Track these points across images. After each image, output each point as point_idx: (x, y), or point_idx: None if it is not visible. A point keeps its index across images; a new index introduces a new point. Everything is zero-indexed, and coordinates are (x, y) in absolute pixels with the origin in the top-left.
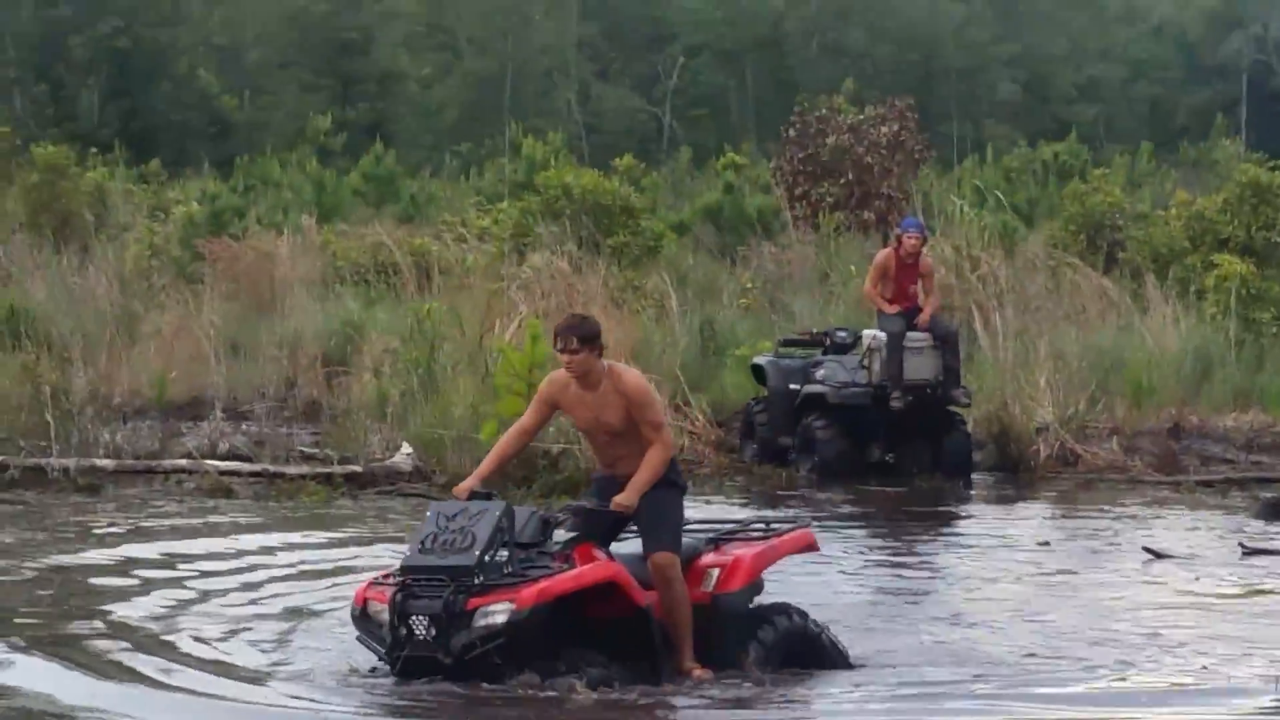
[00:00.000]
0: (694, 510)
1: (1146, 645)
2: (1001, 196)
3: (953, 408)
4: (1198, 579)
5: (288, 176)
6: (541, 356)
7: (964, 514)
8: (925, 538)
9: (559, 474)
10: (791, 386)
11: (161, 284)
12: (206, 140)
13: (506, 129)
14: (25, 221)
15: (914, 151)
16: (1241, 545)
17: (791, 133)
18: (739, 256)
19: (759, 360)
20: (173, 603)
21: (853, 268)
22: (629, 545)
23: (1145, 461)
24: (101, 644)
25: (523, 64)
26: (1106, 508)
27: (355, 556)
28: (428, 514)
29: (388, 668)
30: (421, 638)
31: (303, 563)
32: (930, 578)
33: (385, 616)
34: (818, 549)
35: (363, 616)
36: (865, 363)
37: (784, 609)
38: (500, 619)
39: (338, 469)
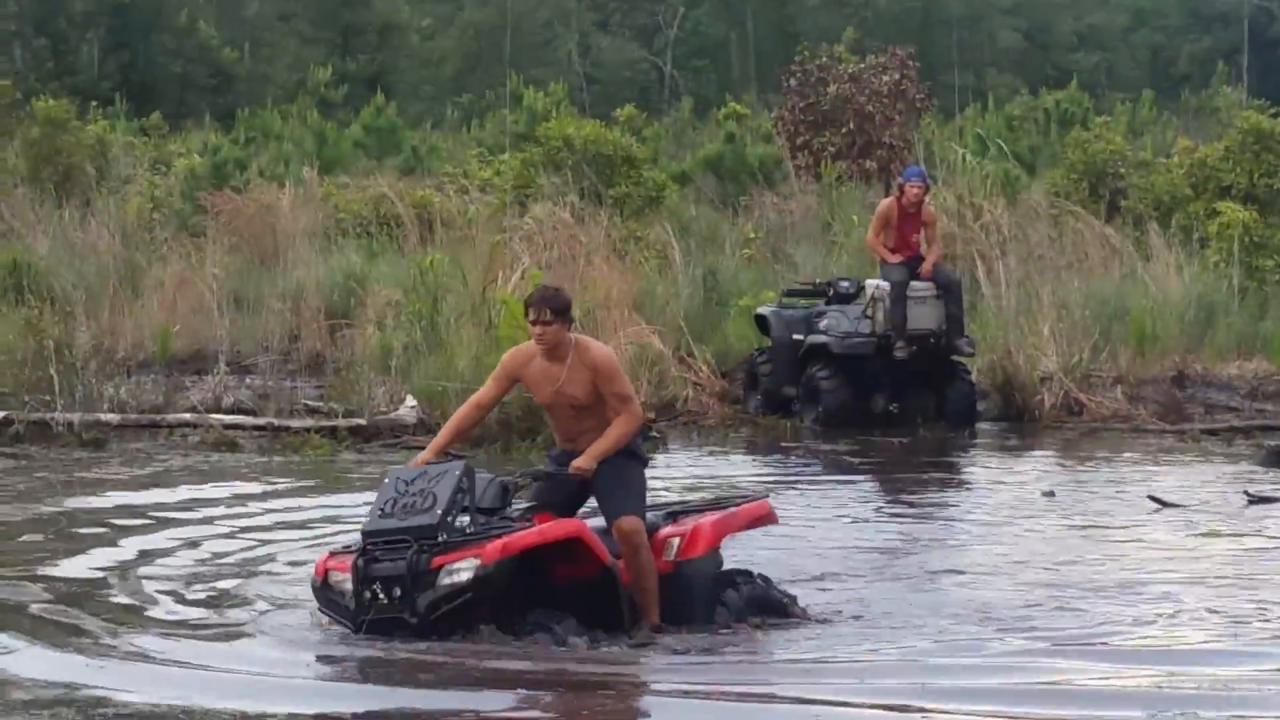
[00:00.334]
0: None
1: (1150, 595)
2: (1003, 145)
3: (956, 357)
4: (1203, 528)
5: (289, 129)
6: None
7: (968, 463)
8: (930, 488)
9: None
10: (795, 337)
11: (164, 237)
12: (207, 93)
13: (507, 80)
14: (26, 175)
15: (915, 100)
16: (1246, 493)
17: (793, 82)
18: (741, 206)
19: (762, 310)
20: (170, 555)
21: (855, 217)
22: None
23: (1149, 410)
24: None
25: (523, 15)
26: (1111, 456)
27: (360, 509)
28: (385, 480)
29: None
30: (386, 600)
31: (306, 516)
32: (934, 527)
33: (348, 585)
34: (775, 520)
35: (324, 587)
36: (869, 312)
37: (746, 574)
38: (466, 575)
39: (342, 422)
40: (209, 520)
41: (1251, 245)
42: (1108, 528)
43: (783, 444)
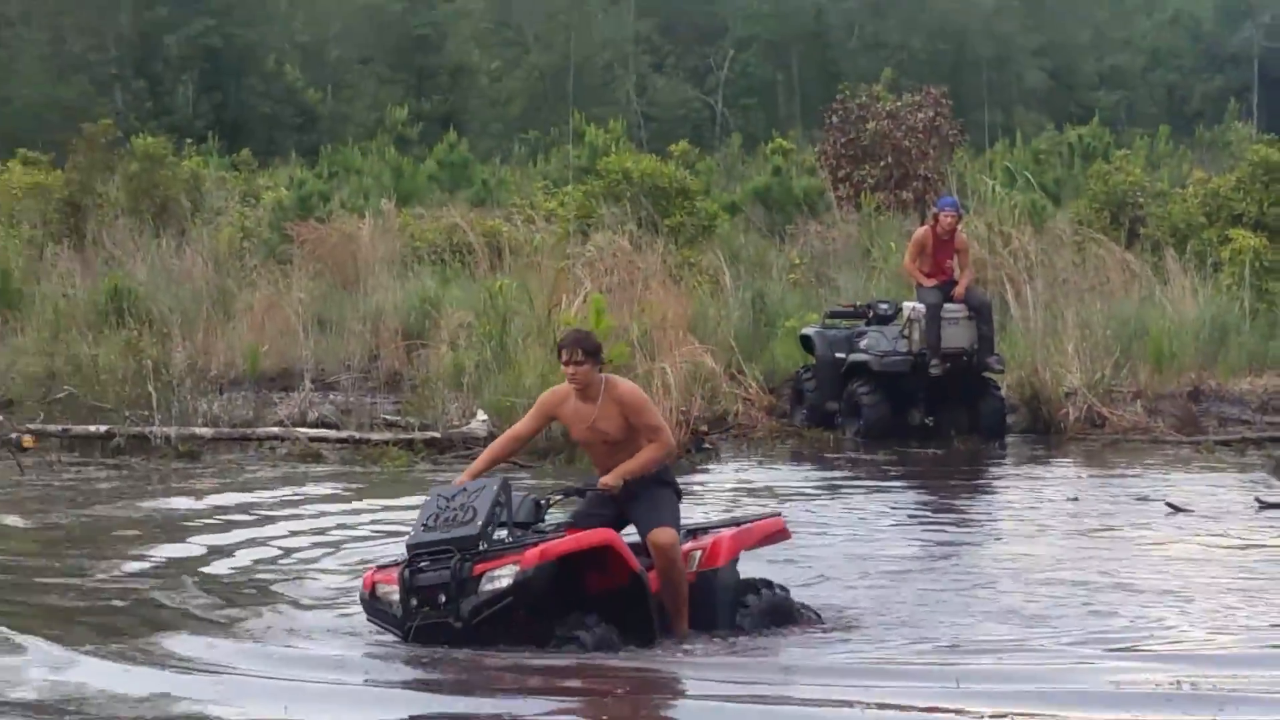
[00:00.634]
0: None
1: (1167, 597)
2: (1030, 177)
3: (987, 374)
4: (1217, 532)
5: (368, 164)
6: (605, 329)
7: (998, 473)
8: (962, 495)
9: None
10: (837, 355)
11: (253, 264)
12: (293, 131)
13: (570, 118)
14: (127, 207)
15: (948, 136)
16: (1257, 500)
17: (834, 119)
18: (787, 235)
19: (807, 331)
20: (257, 558)
21: (893, 244)
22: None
23: (1167, 423)
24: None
25: (585, 58)
26: (1131, 466)
27: None
28: (427, 497)
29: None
30: (431, 608)
31: (384, 522)
32: (966, 532)
33: (394, 596)
34: (789, 536)
35: (372, 598)
36: (905, 332)
37: (766, 583)
38: (506, 581)
39: (418, 435)
40: (296, 530)
41: (1262, 269)
42: (1128, 532)
43: (826, 454)
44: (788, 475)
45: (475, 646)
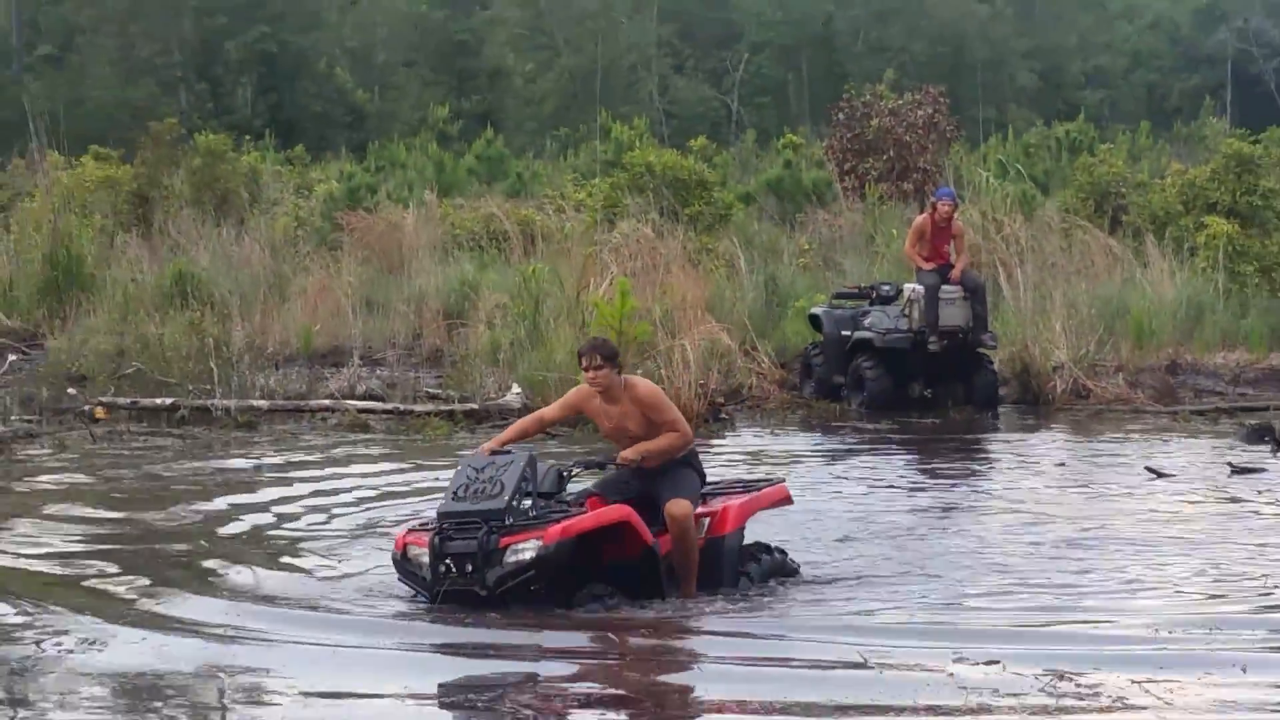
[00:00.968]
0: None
1: (1147, 553)
2: (1021, 169)
3: (981, 350)
4: (1192, 494)
5: (412, 158)
6: (629, 310)
7: (991, 440)
8: (958, 461)
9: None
10: (843, 333)
11: (306, 251)
12: (343, 128)
13: (598, 116)
14: (190, 199)
15: (946, 131)
16: (1230, 465)
17: (841, 116)
18: (797, 223)
19: (815, 310)
20: (309, 521)
21: (894, 231)
22: None
23: (1146, 394)
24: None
25: (611, 60)
26: (1114, 434)
27: None
28: (458, 467)
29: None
30: (459, 574)
31: (425, 487)
32: (961, 494)
33: (425, 559)
34: (792, 502)
35: (403, 559)
36: (906, 312)
37: (766, 547)
38: (529, 554)
39: (458, 406)
40: (344, 494)
41: (1234, 253)
42: (1111, 494)
43: (832, 424)
44: (797, 443)
45: (501, 608)
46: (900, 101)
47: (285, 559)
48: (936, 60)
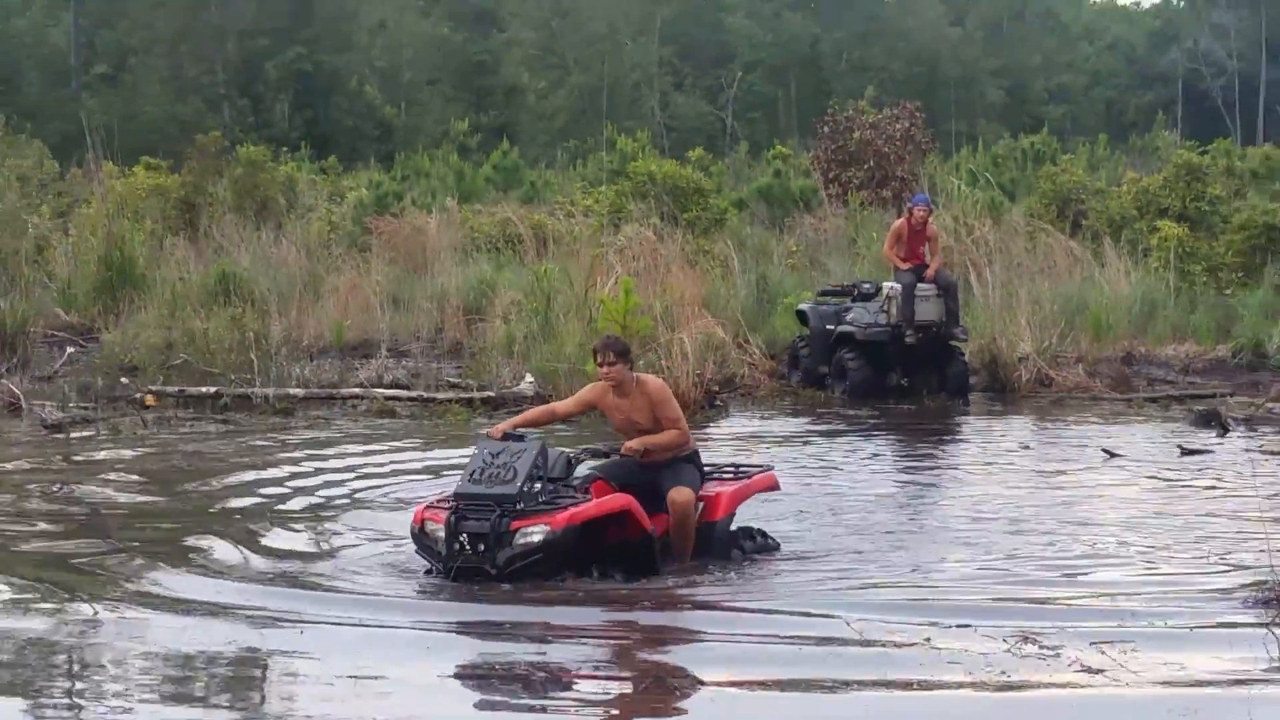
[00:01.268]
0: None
1: (1104, 530)
2: (990, 178)
3: (954, 342)
4: (1146, 474)
5: (435, 168)
6: (633, 306)
7: (962, 425)
8: (932, 444)
9: None
10: (828, 327)
11: (338, 252)
12: (372, 141)
13: (604, 129)
14: (232, 205)
15: (921, 143)
16: (1180, 447)
17: (826, 129)
18: (786, 226)
19: (802, 306)
20: (338, 497)
21: (874, 234)
22: None
23: (1104, 382)
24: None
25: (617, 79)
26: (1074, 419)
27: None
28: (474, 450)
29: (441, 573)
30: (472, 552)
31: (445, 467)
32: (935, 475)
33: (440, 534)
34: (779, 489)
35: (421, 533)
36: (885, 308)
37: (750, 532)
38: (537, 538)
39: (476, 394)
40: (373, 473)
41: (1184, 255)
42: (1071, 474)
43: (818, 410)
44: (785, 427)
45: (511, 583)
46: (880, 116)
47: (317, 534)
48: (913, 78)
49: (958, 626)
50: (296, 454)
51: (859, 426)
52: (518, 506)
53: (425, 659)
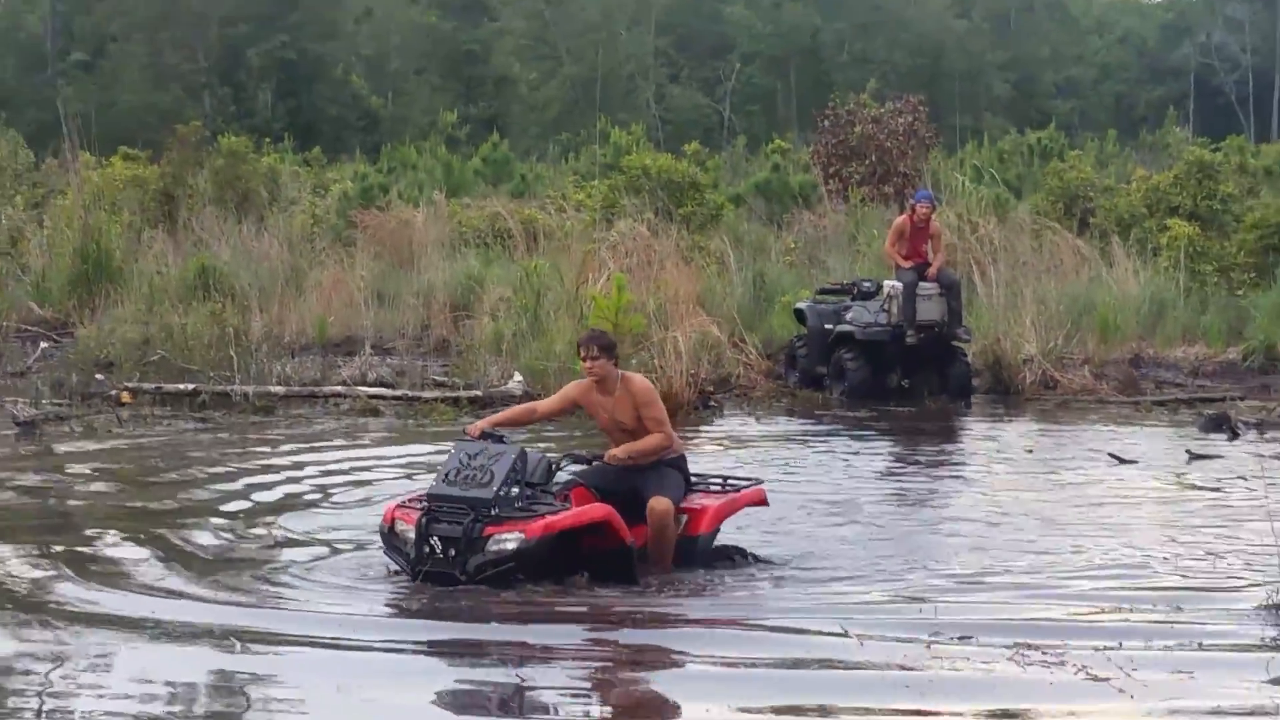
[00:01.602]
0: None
1: (1111, 536)
2: (995, 174)
3: (956, 343)
4: (1153, 480)
5: (422, 160)
6: (625, 303)
7: (964, 428)
8: (933, 447)
9: None
10: (826, 326)
11: (322, 246)
12: (357, 132)
13: (597, 122)
14: (213, 197)
15: (925, 138)
16: (1188, 452)
17: (826, 123)
18: (784, 223)
19: (800, 305)
20: (319, 499)
21: (875, 231)
22: None
23: (1111, 385)
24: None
25: (610, 70)
26: (1079, 422)
27: None
28: (451, 450)
29: (409, 575)
30: (441, 556)
31: (431, 468)
32: (936, 480)
33: (411, 535)
34: (767, 504)
35: (390, 533)
36: (885, 307)
37: (735, 550)
38: (511, 546)
39: (463, 393)
40: (355, 474)
41: (1194, 254)
42: (1076, 480)
43: (815, 411)
44: (782, 429)
45: (485, 589)
46: (882, 110)
47: (289, 540)
48: (916, 71)
49: (959, 638)
50: (276, 454)
51: (857, 428)
52: (492, 512)
53: (398, 682)
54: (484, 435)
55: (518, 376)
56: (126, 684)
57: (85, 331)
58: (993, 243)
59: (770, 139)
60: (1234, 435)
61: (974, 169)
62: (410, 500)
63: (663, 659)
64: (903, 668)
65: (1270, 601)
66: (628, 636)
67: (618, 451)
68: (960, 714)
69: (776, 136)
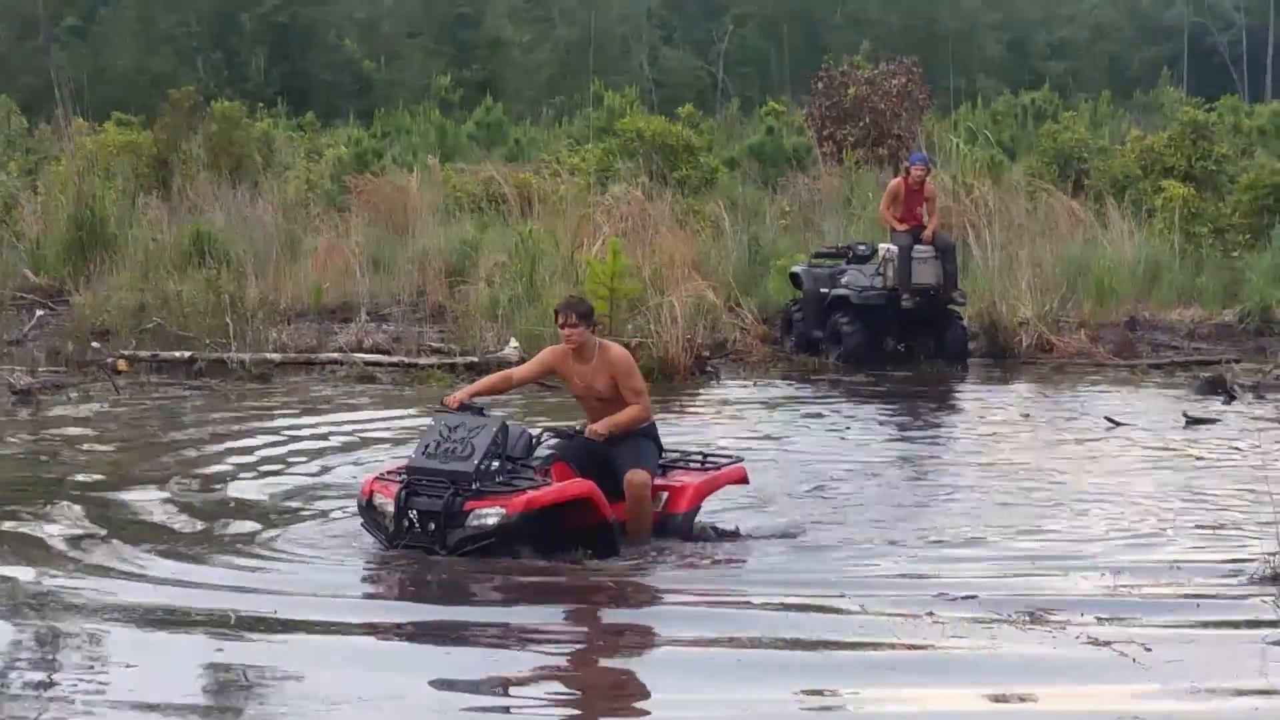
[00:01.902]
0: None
1: (1107, 500)
2: (989, 135)
3: (952, 306)
4: (1150, 443)
5: (416, 125)
6: (621, 268)
7: (961, 392)
8: (930, 411)
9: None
10: (822, 290)
11: (316, 212)
12: (351, 96)
13: (591, 85)
14: (207, 163)
15: (919, 100)
16: (1185, 415)
17: (820, 85)
18: (779, 186)
19: (795, 269)
20: (319, 466)
21: (870, 194)
22: None
23: (1107, 348)
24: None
25: (604, 32)
26: (1075, 386)
27: None
28: (430, 423)
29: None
30: (420, 530)
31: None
32: (932, 444)
33: (389, 508)
34: (748, 482)
35: (368, 507)
36: (881, 270)
37: (714, 527)
38: (492, 521)
39: (459, 359)
40: (350, 440)
41: (1189, 215)
42: (1073, 443)
43: (812, 376)
44: (779, 394)
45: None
46: (876, 72)
47: (280, 511)
48: (910, 32)
49: (964, 597)
50: (272, 421)
51: (853, 393)
52: (473, 486)
53: (376, 671)
54: (463, 406)
55: (514, 342)
56: (117, 658)
57: (81, 299)
58: (987, 205)
59: (764, 101)
60: (1230, 398)
61: (968, 131)
62: (388, 473)
63: (657, 637)
64: (908, 645)
65: (1267, 563)
66: (622, 615)
67: (598, 427)
68: (965, 692)
69: (770, 99)
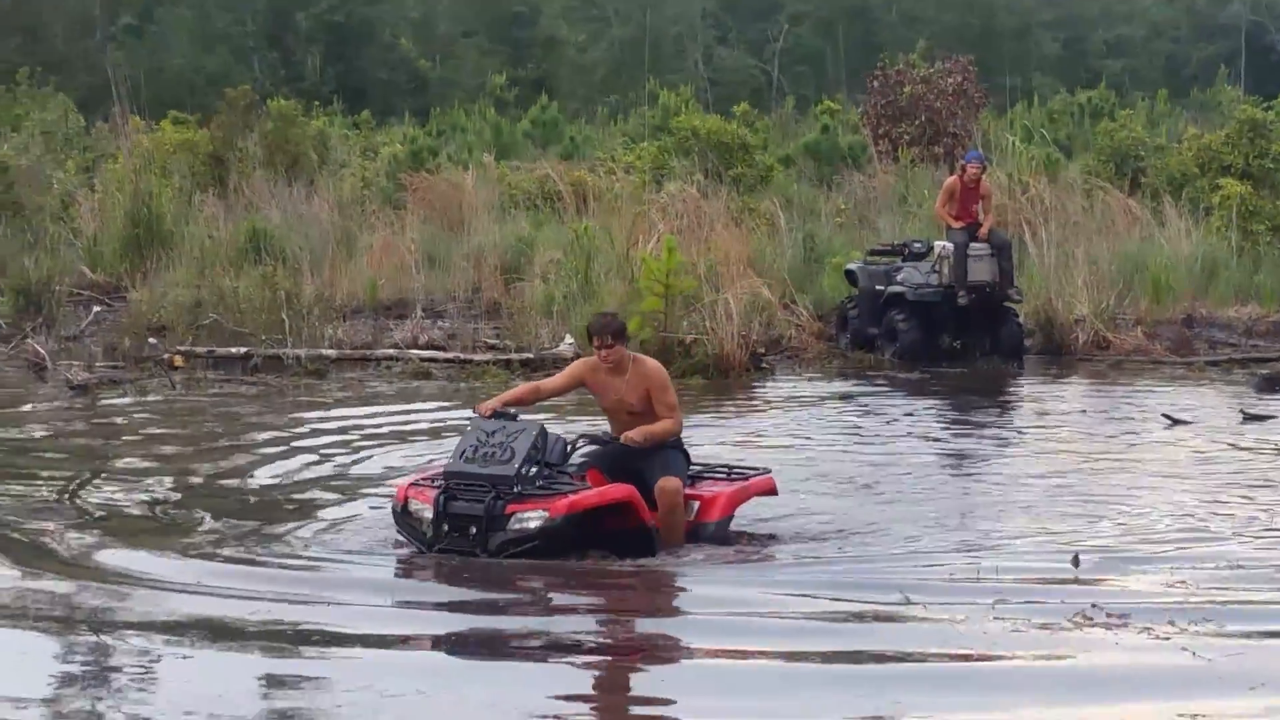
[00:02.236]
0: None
1: (1165, 498)
2: (1045, 134)
3: (1007, 303)
4: (1208, 441)
5: (471, 123)
6: (676, 265)
7: (1016, 389)
8: (985, 409)
9: (691, 358)
10: (877, 287)
11: (372, 209)
12: (406, 94)
13: (646, 83)
14: (263, 161)
15: (974, 98)
16: (1242, 411)
17: (875, 84)
18: (834, 184)
19: (851, 266)
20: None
21: (925, 192)
22: None
23: (1164, 345)
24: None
25: (659, 30)
26: (1132, 383)
27: None
28: (468, 428)
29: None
30: (460, 535)
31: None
32: (988, 441)
33: (426, 514)
34: (777, 493)
35: (403, 513)
36: (936, 268)
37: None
38: (534, 524)
39: (514, 356)
40: (408, 437)
41: (1247, 213)
42: (1130, 440)
43: (867, 373)
44: (834, 390)
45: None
46: (931, 70)
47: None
48: (965, 30)
49: (1021, 603)
50: (328, 418)
51: (909, 390)
52: (514, 489)
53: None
54: (495, 414)
55: (569, 339)
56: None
57: (137, 295)
58: (1043, 203)
59: (819, 100)
60: None
61: (1024, 129)
62: (422, 478)
63: (694, 650)
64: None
65: None
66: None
67: (634, 434)
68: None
69: (825, 97)
